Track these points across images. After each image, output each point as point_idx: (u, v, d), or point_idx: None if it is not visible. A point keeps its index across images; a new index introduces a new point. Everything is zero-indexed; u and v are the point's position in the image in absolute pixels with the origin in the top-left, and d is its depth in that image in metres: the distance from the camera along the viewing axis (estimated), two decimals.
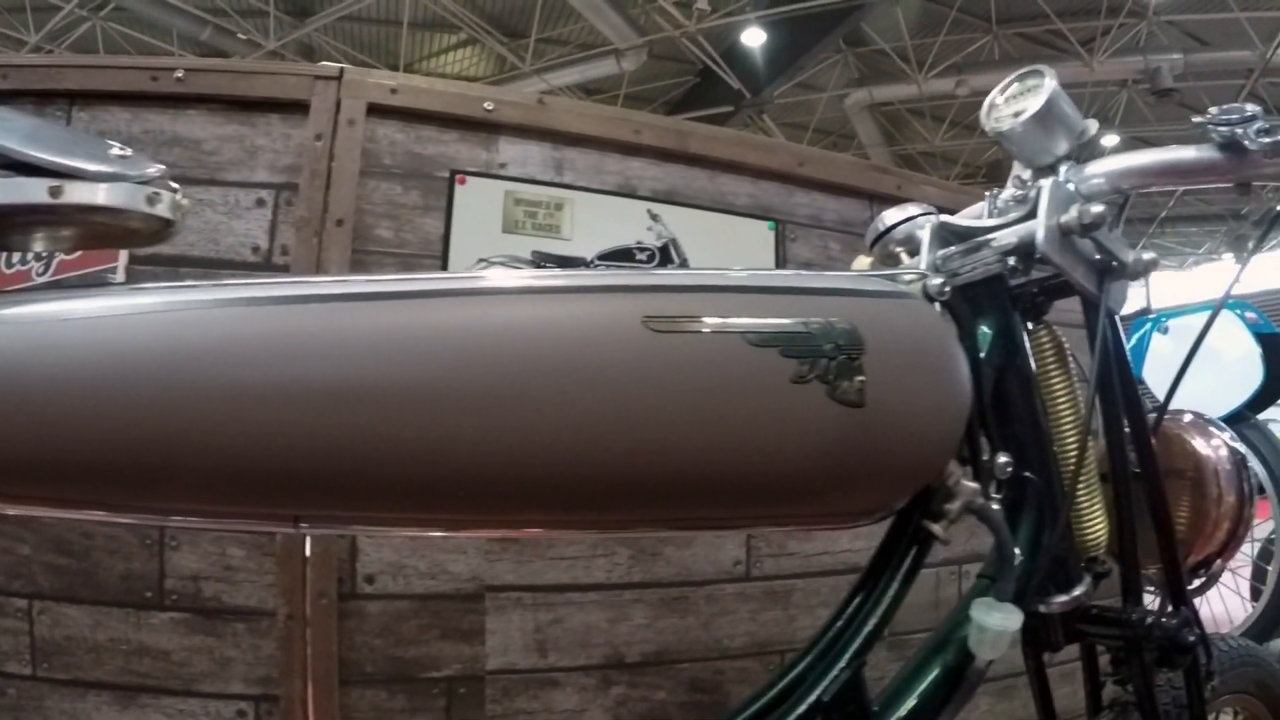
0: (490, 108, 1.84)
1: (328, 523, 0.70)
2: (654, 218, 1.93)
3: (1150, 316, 4.01)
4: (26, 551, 1.62)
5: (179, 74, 1.73)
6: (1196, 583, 1.22)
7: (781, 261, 2.03)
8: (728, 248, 1.99)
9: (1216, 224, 16.90)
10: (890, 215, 1.09)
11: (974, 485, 0.87)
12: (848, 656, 0.86)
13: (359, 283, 0.68)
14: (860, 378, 0.73)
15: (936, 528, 0.88)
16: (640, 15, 10.48)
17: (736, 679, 1.88)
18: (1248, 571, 3.64)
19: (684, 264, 1.93)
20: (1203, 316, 3.70)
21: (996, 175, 12.85)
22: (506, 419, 0.64)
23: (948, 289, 0.90)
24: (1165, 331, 3.86)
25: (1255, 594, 3.49)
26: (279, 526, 0.67)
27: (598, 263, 1.88)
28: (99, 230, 0.70)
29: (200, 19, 10.06)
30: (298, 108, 1.77)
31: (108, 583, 1.62)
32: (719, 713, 1.84)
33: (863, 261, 1.18)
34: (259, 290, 0.65)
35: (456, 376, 0.64)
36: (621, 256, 1.90)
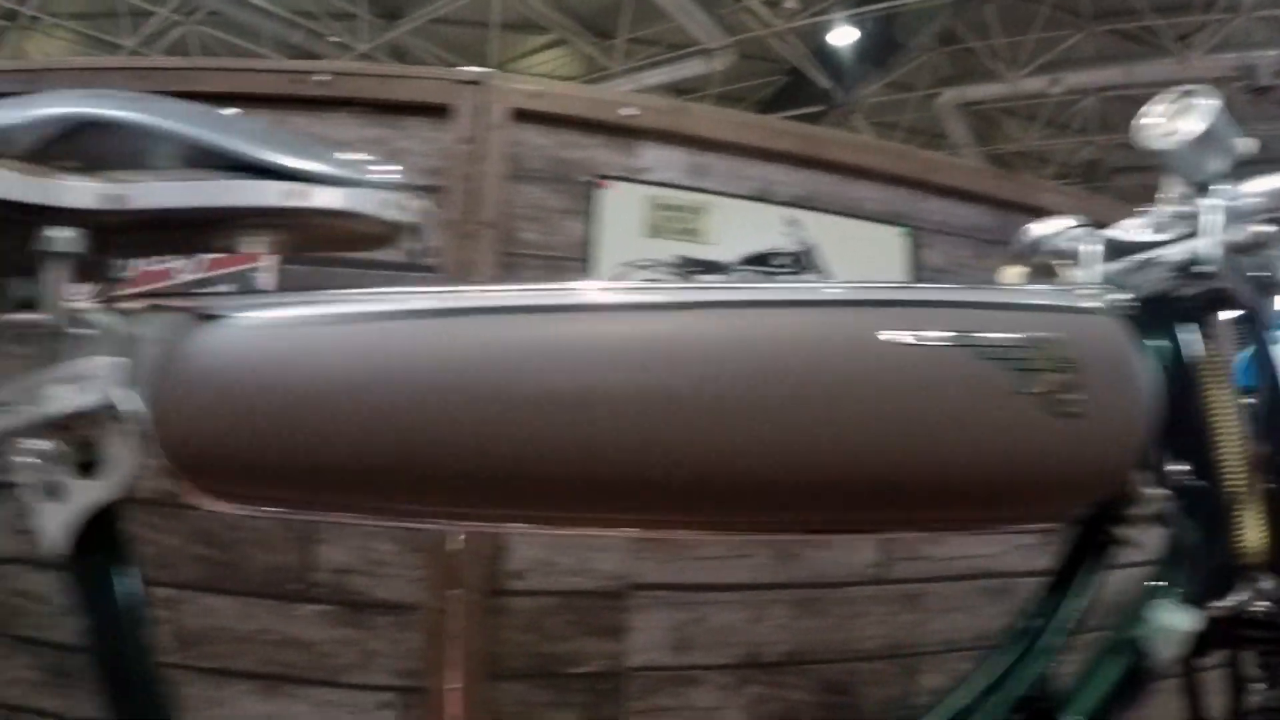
0: (630, 113, 1.87)
1: (535, 523, 0.74)
2: (793, 224, 1.95)
3: None
4: (175, 543, 1.65)
5: (324, 78, 1.78)
6: None
7: (914, 268, 2.04)
8: (860, 253, 2.01)
9: None
10: (1043, 227, 1.10)
11: (1161, 491, 0.90)
12: (1044, 653, 0.91)
13: (592, 292, 0.71)
14: (1073, 391, 0.76)
15: (1126, 533, 0.92)
16: (729, 15, 10.44)
17: (869, 680, 1.88)
18: None
19: (821, 271, 1.95)
20: None
21: (1092, 176, 12.55)
22: (741, 427, 0.68)
23: (1135, 304, 0.92)
24: None
25: None
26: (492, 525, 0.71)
27: (740, 267, 1.90)
28: (331, 234, 0.73)
29: (291, 22, 10.20)
30: (438, 111, 1.80)
31: (253, 574, 1.66)
32: (852, 713, 1.85)
33: (1011, 272, 1.18)
34: (476, 300, 0.68)
35: (701, 387, 0.68)
36: (761, 262, 1.92)
